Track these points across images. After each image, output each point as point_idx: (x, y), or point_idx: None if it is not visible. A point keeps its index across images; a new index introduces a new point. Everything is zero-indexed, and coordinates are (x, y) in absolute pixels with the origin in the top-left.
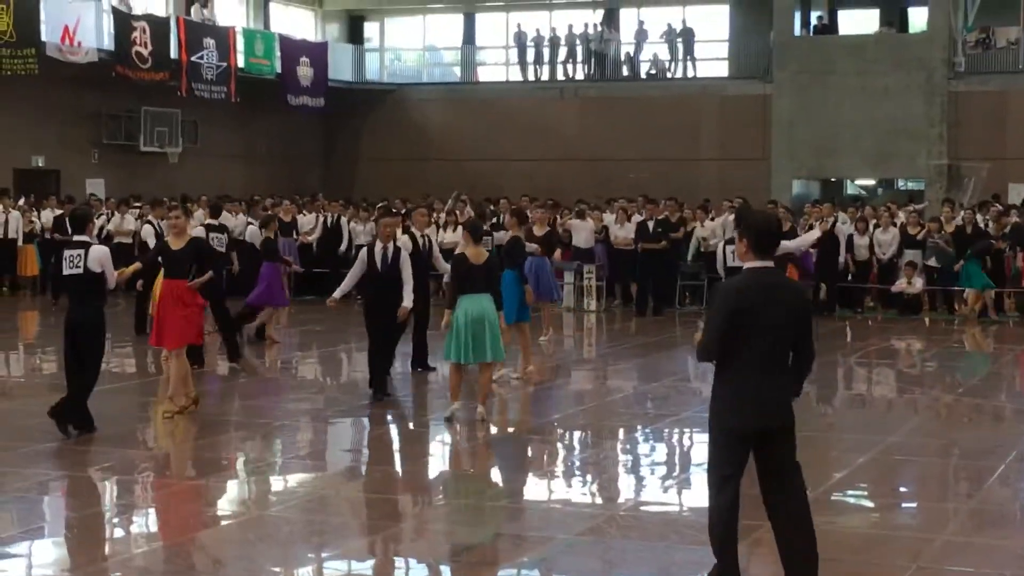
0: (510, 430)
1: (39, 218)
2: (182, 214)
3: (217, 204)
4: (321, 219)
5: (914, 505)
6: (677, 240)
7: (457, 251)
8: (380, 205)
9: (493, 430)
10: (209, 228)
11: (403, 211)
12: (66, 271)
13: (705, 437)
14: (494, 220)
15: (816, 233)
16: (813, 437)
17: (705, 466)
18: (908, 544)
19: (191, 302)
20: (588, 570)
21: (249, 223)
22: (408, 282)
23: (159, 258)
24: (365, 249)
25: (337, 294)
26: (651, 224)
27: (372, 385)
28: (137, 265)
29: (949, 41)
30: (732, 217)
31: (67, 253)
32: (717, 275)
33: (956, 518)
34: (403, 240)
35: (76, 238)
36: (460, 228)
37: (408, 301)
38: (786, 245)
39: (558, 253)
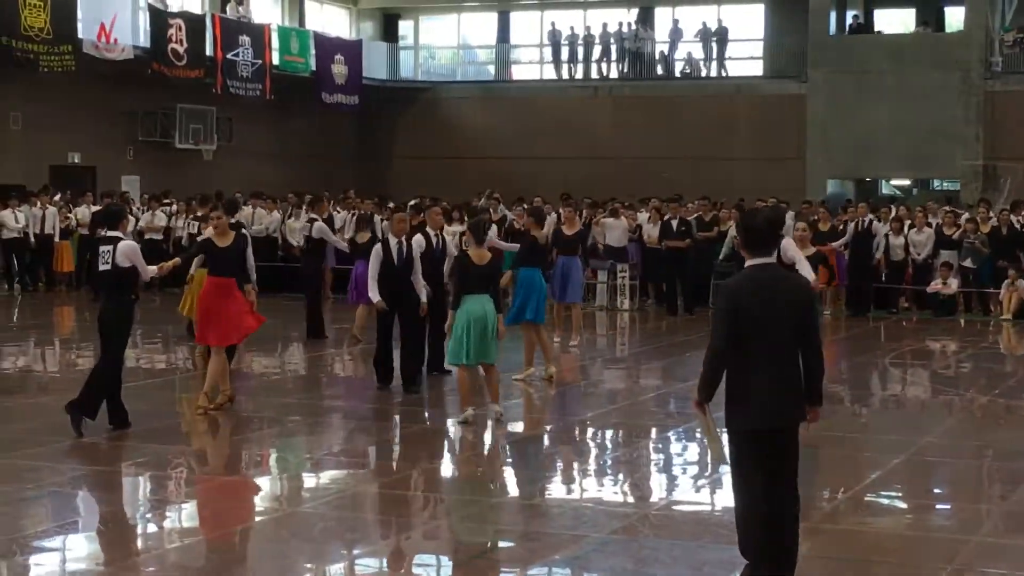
0: (543, 428)
1: (75, 214)
2: (223, 213)
3: (233, 200)
4: (353, 216)
5: (948, 507)
6: (711, 239)
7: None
8: (412, 203)
9: (520, 427)
10: (104, 241)
11: (413, 203)
12: (99, 267)
13: None
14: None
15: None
16: (847, 438)
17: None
18: (943, 546)
19: (238, 300)
20: (620, 569)
21: (312, 219)
22: (418, 275)
23: (203, 255)
24: (380, 244)
25: (374, 296)
26: (675, 223)
27: (381, 379)
28: (177, 260)
29: (986, 40)
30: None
31: (101, 249)
32: None
33: (990, 520)
34: (417, 239)
35: (109, 234)
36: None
37: (423, 296)
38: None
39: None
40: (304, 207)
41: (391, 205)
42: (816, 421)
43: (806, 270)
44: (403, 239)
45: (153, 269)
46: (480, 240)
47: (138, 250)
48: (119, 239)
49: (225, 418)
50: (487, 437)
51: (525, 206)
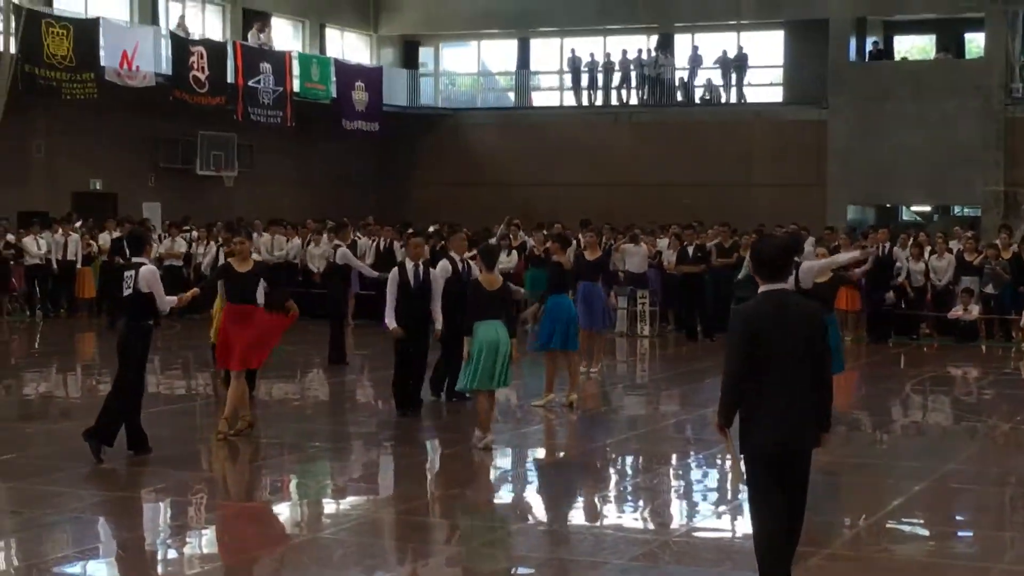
0: (561, 455)
1: (97, 241)
2: (246, 239)
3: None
4: (373, 243)
5: (971, 534)
6: (730, 265)
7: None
8: (432, 229)
9: (540, 454)
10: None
11: (431, 230)
12: (123, 292)
13: None
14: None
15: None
16: (869, 464)
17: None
18: (965, 573)
19: (257, 325)
20: None
21: (336, 245)
22: (437, 301)
23: (221, 282)
24: (396, 268)
25: (391, 321)
26: (691, 249)
27: (399, 404)
28: (196, 291)
29: (1006, 66)
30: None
31: (124, 275)
32: None
33: (1013, 548)
34: (443, 265)
35: (133, 259)
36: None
37: (438, 323)
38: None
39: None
40: (326, 233)
41: (410, 231)
42: (823, 446)
43: (842, 259)
44: (420, 263)
45: (172, 300)
46: (491, 266)
47: (158, 277)
48: (142, 264)
49: (244, 444)
50: (508, 464)
51: (545, 232)
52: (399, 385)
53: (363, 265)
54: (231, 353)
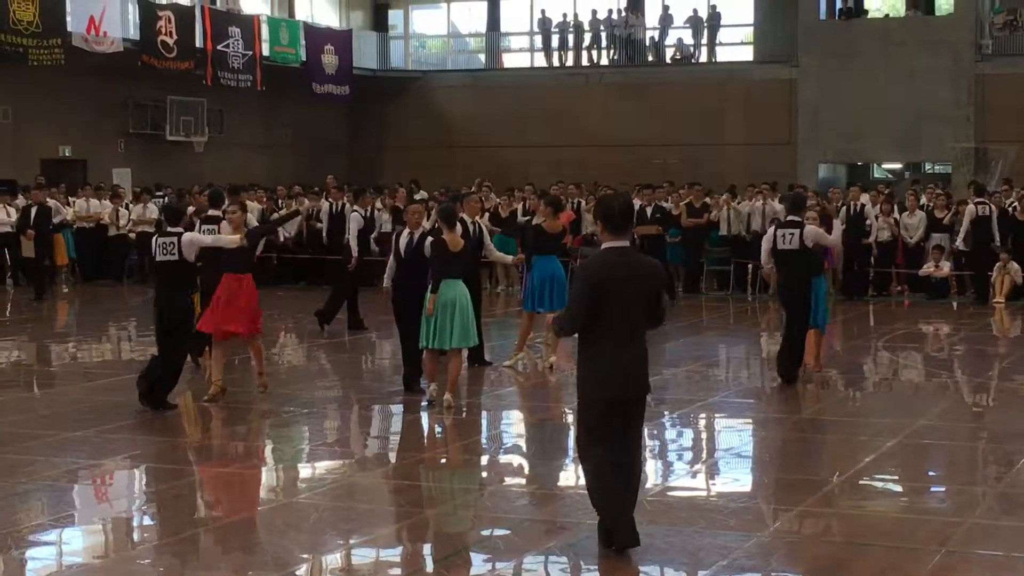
0: (537, 415)
1: (72, 206)
2: (238, 208)
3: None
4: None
5: (943, 489)
6: (701, 225)
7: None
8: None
9: (515, 415)
10: (207, 220)
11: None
12: (159, 257)
13: (732, 422)
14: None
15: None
16: (841, 421)
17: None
18: (937, 528)
19: (250, 295)
20: (616, 555)
21: (355, 210)
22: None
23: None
24: (395, 235)
25: (387, 282)
26: (649, 210)
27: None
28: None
29: (976, 23)
30: (775, 201)
31: (160, 241)
32: (743, 260)
33: (985, 501)
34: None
35: (170, 229)
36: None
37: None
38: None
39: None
40: (345, 198)
41: (417, 196)
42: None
43: (837, 233)
44: (415, 232)
45: (233, 238)
46: (452, 225)
47: (194, 240)
48: (182, 234)
49: (219, 410)
50: (485, 426)
51: (518, 193)
52: (406, 361)
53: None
54: (233, 319)
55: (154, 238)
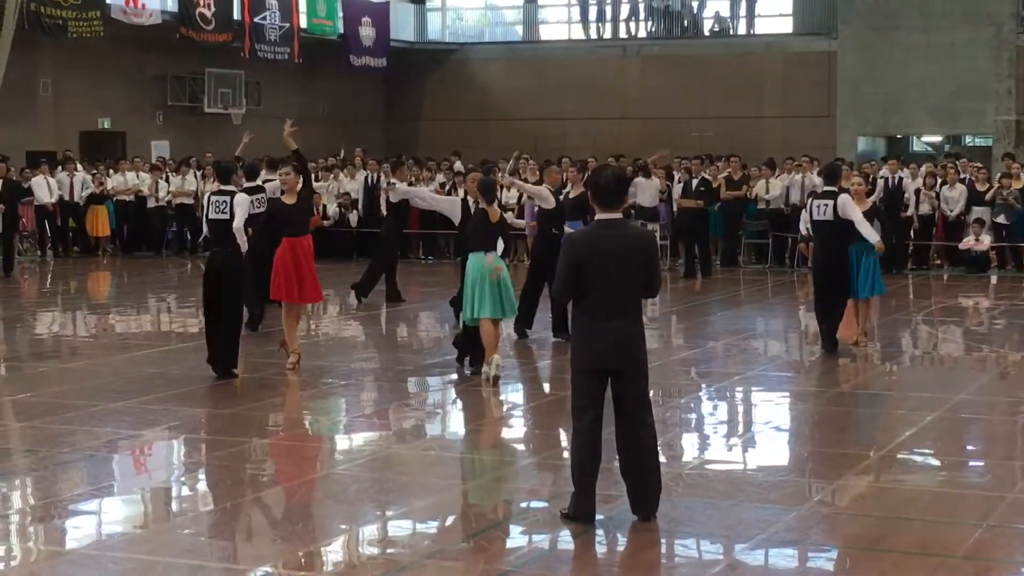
0: None
1: (111, 178)
2: (291, 171)
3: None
4: (362, 178)
5: (982, 463)
6: (740, 198)
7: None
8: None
9: (548, 388)
10: (247, 191)
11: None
12: (212, 215)
13: (770, 395)
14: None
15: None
16: (880, 395)
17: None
18: (977, 503)
19: (311, 260)
20: (654, 528)
21: (390, 183)
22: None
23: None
24: (460, 200)
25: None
26: (695, 182)
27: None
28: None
29: None
30: (815, 174)
31: (214, 199)
32: (782, 233)
33: None
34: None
35: (223, 188)
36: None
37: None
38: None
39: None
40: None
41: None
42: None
43: (866, 230)
44: (472, 200)
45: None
46: (491, 200)
47: (247, 203)
48: (234, 192)
49: (258, 382)
50: (521, 398)
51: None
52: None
53: (423, 190)
54: (305, 287)
55: (207, 195)
